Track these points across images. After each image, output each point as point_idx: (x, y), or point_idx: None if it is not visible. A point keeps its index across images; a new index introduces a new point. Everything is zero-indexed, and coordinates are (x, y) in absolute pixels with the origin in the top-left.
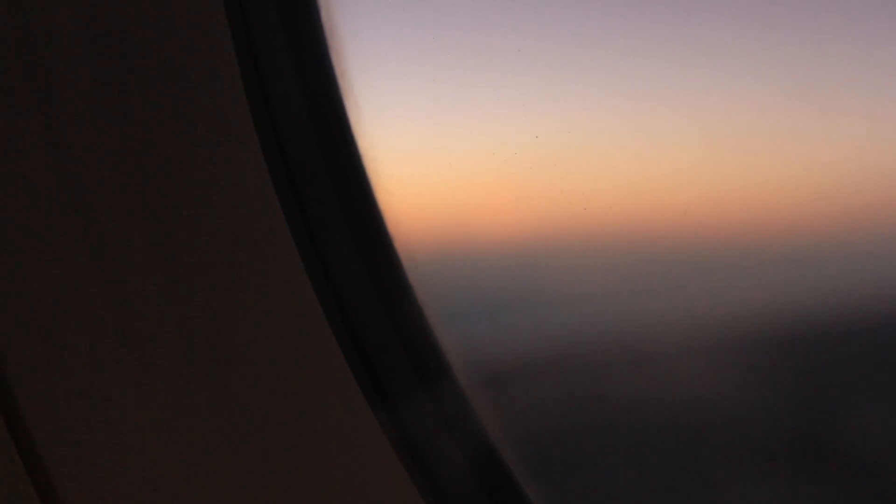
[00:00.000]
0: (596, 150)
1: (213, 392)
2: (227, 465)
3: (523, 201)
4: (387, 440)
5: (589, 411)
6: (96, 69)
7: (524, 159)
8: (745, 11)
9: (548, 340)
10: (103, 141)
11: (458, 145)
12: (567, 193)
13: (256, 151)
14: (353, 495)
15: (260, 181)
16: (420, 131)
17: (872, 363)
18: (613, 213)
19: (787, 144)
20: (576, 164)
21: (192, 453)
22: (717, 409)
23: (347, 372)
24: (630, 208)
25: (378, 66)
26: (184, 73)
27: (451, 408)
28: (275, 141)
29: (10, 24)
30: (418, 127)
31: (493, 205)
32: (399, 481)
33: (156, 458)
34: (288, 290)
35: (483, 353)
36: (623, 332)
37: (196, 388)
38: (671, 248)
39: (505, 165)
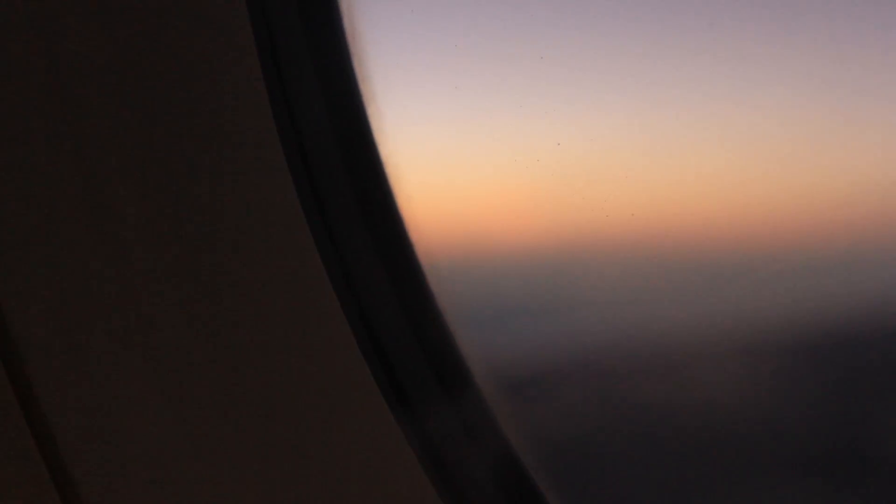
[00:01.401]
0: (617, 157)
1: (232, 395)
2: (246, 470)
3: (544, 207)
4: (408, 445)
5: (609, 417)
6: (117, 73)
7: (546, 166)
8: (761, 20)
9: (569, 346)
10: (123, 144)
11: (480, 152)
12: (588, 200)
13: (278, 156)
14: (373, 500)
15: (282, 185)
16: (441, 137)
17: (887, 370)
18: (634, 220)
19: (804, 151)
20: (597, 171)
21: (208, 454)
22: (735, 415)
23: (369, 377)
24: (650, 216)
25: (400, 73)
26: (206, 78)
27: (472, 413)
28: (297, 145)
29: (30, 26)
30: (440, 133)
31: (514, 211)
32: (419, 486)
33: (174, 459)
34: (309, 294)
35: (503, 359)
36: (642, 339)
37: (214, 390)
38: (690, 255)
39: (526, 172)
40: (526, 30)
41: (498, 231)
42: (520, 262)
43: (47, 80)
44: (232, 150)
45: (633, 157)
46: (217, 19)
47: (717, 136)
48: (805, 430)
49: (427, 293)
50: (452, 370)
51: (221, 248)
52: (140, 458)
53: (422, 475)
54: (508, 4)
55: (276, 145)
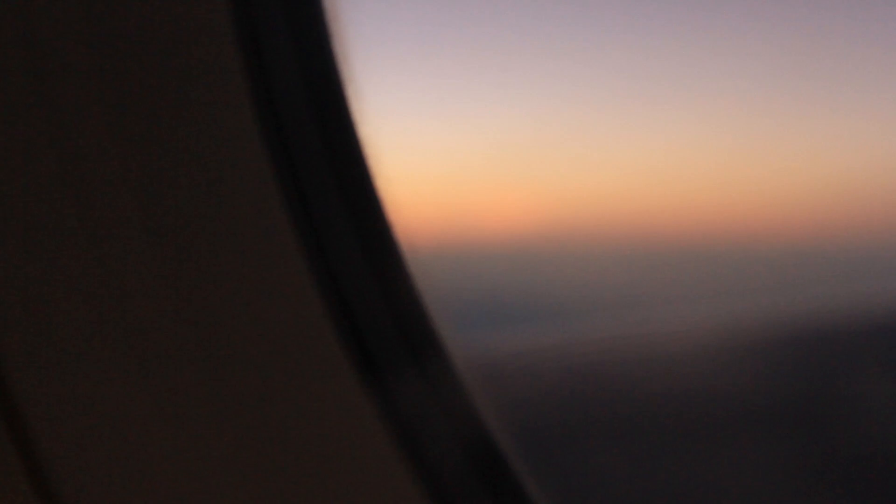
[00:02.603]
0: (599, 142)
1: (207, 376)
2: (222, 452)
3: (525, 191)
4: (381, 425)
5: (587, 404)
6: (96, 64)
7: (526, 148)
8: (749, 10)
9: (549, 334)
10: (105, 139)
11: (461, 134)
12: (569, 181)
13: (257, 138)
14: (347, 479)
15: (260, 168)
16: (422, 120)
17: (876, 363)
18: (617, 206)
19: (793, 144)
20: (579, 154)
21: (187, 439)
22: (715, 405)
23: (346, 360)
24: (632, 204)
25: (381, 56)
26: (185, 63)
27: (448, 396)
28: (276, 128)
29: (12, 26)
30: (421, 115)
31: (495, 194)
32: (392, 466)
33: (152, 445)
34: (287, 280)
35: (483, 345)
36: (625, 327)
37: (191, 374)
38: (673, 242)
39: (507, 153)
40: (508, 15)
41: (479, 214)
42: (500, 247)
43: (27, 77)
44: (211, 134)
45: (617, 142)
46: (196, 4)
47: (704, 123)
48: (783, 421)
49: (406, 277)
50: (431, 353)
51: (198, 232)
52: (117, 449)
53: (394, 454)
54: None
55: (254, 126)
